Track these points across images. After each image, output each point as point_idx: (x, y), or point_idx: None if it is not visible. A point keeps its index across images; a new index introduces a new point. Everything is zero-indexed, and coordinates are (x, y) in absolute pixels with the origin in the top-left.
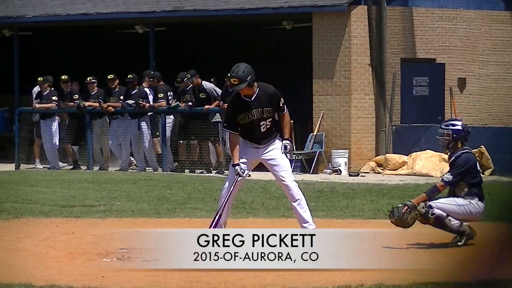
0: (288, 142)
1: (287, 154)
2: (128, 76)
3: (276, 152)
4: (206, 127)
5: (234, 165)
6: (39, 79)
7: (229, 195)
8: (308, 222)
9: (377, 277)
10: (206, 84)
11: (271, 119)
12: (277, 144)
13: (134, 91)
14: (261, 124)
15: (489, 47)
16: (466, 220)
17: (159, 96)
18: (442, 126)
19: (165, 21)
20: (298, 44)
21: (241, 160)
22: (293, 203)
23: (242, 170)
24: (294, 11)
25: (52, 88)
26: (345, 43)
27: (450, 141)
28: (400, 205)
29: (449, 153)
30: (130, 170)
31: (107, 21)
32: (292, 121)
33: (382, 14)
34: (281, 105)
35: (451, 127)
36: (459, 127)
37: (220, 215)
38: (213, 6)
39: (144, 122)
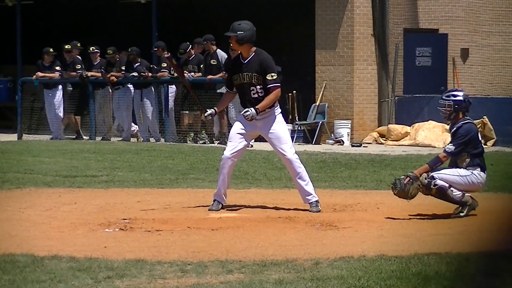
0: (251, 109)
1: (244, 116)
2: (129, 49)
3: (276, 126)
4: (209, 97)
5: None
6: (66, 46)
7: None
8: (311, 194)
9: (379, 248)
10: (220, 53)
11: (261, 86)
12: (273, 117)
13: (137, 64)
14: (251, 89)
15: (492, 18)
16: (468, 190)
17: (162, 66)
18: (443, 97)
19: None
20: (301, 14)
21: (240, 130)
22: (295, 177)
23: (211, 112)
24: None
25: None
26: (348, 13)
27: (452, 112)
28: (402, 176)
29: (450, 124)
30: (133, 140)
31: None
32: (294, 91)
33: None
34: (268, 76)
35: (452, 98)
36: (460, 98)
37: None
38: None
39: (147, 93)
